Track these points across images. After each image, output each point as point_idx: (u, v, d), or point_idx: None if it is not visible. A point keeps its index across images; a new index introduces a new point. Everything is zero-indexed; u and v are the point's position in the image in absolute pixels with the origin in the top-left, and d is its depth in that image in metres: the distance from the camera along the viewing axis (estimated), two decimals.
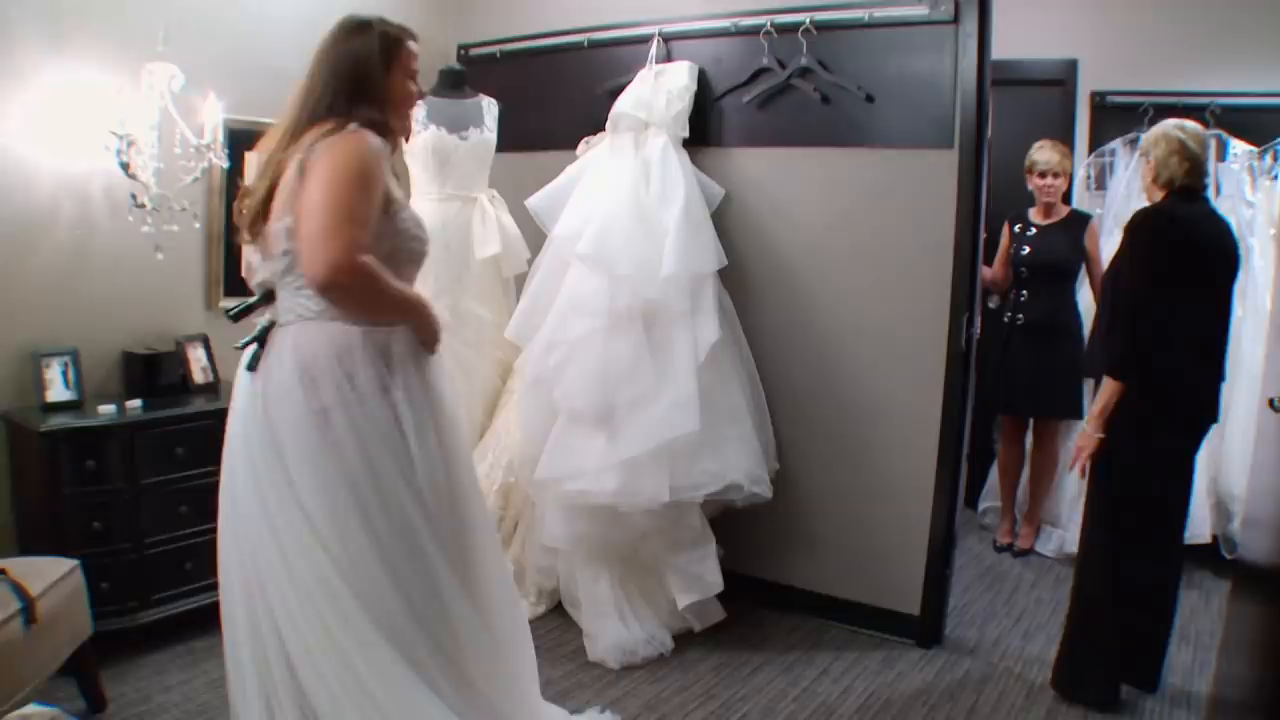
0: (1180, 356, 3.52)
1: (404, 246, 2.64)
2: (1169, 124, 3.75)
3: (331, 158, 2.46)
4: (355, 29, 2.66)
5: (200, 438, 3.84)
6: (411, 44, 2.75)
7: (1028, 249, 5.40)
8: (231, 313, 2.73)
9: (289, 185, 2.52)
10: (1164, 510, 3.70)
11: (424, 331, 2.67)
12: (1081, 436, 3.70)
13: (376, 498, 2.51)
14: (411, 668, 2.52)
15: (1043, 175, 5.34)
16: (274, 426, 2.53)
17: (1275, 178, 5.27)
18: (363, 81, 2.61)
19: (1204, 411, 3.65)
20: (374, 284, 2.47)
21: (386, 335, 2.58)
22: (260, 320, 2.67)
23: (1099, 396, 3.62)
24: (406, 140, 2.92)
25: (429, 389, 2.68)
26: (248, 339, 2.67)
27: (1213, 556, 5.05)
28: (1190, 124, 3.76)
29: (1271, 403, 2.61)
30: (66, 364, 3.93)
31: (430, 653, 2.57)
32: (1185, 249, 3.55)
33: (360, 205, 2.45)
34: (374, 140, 2.53)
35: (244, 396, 2.63)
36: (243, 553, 2.58)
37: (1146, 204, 3.88)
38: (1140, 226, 3.62)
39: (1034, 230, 5.42)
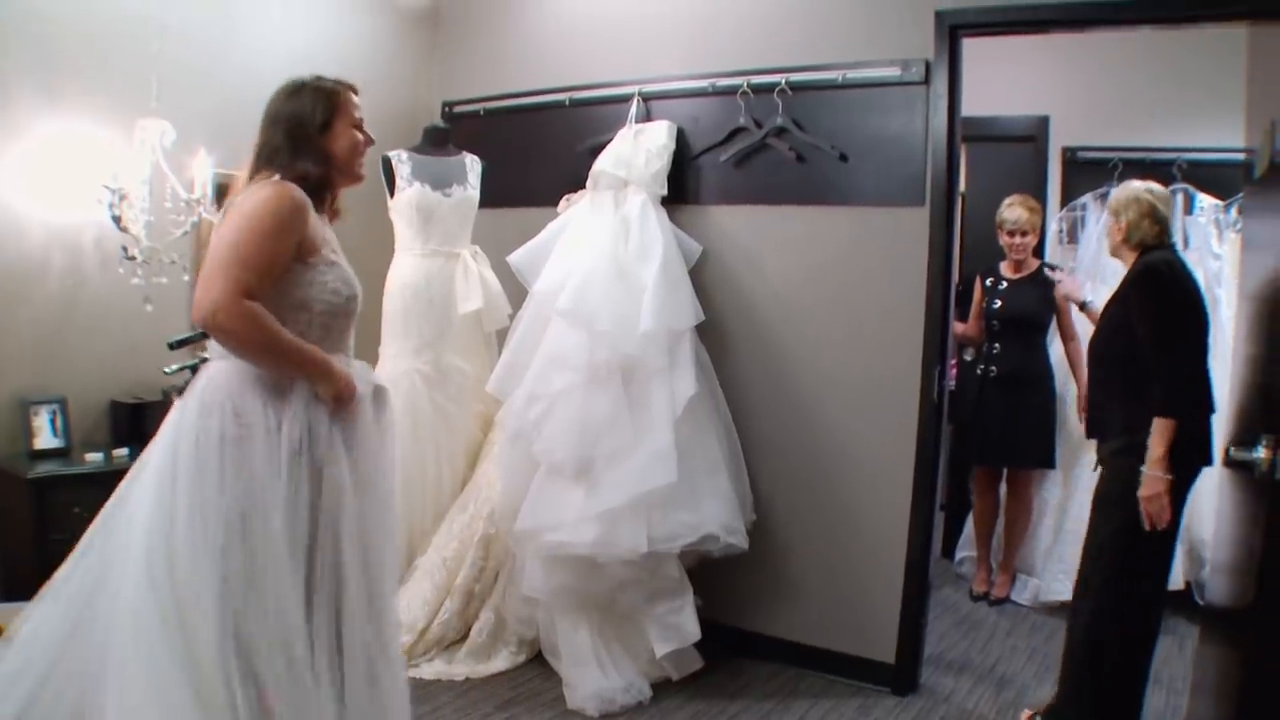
0: (1200, 399, 3.57)
1: (318, 297, 2.66)
2: (1137, 187, 3.83)
3: (243, 205, 2.57)
4: (292, 91, 2.76)
5: None
6: (349, 94, 2.82)
7: (999, 303, 5.50)
8: (173, 341, 2.80)
9: (216, 229, 2.64)
10: (1169, 553, 3.72)
11: (320, 388, 2.64)
12: (1151, 484, 3.44)
13: (238, 536, 2.50)
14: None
15: (1011, 234, 5.45)
16: (175, 451, 2.55)
17: (1240, 230, 5.38)
18: (300, 138, 2.70)
19: (1206, 453, 3.66)
20: (252, 330, 2.49)
21: (279, 378, 2.63)
22: (201, 354, 2.78)
23: (1157, 442, 3.44)
24: (350, 184, 2.92)
25: (320, 444, 2.65)
26: (178, 365, 2.76)
27: (1184, 602, 5.12)
28: (1156, 186, 3.84)
29: (1227, 453, 2.69)
30: (55, 412, 3.98)
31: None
32: (1195, 296, 3.63)
33: (259, 250, 2.51)
34: (294, 191, 2.61)
35: (166, 423, 2.67)
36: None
37: (1114, 260, 3.99)
38: (1159, 276, 3.63)
39: (1005, 284, 5.52)
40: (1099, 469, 3.83)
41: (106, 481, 3.75)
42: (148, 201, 4.06)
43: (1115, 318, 3.75)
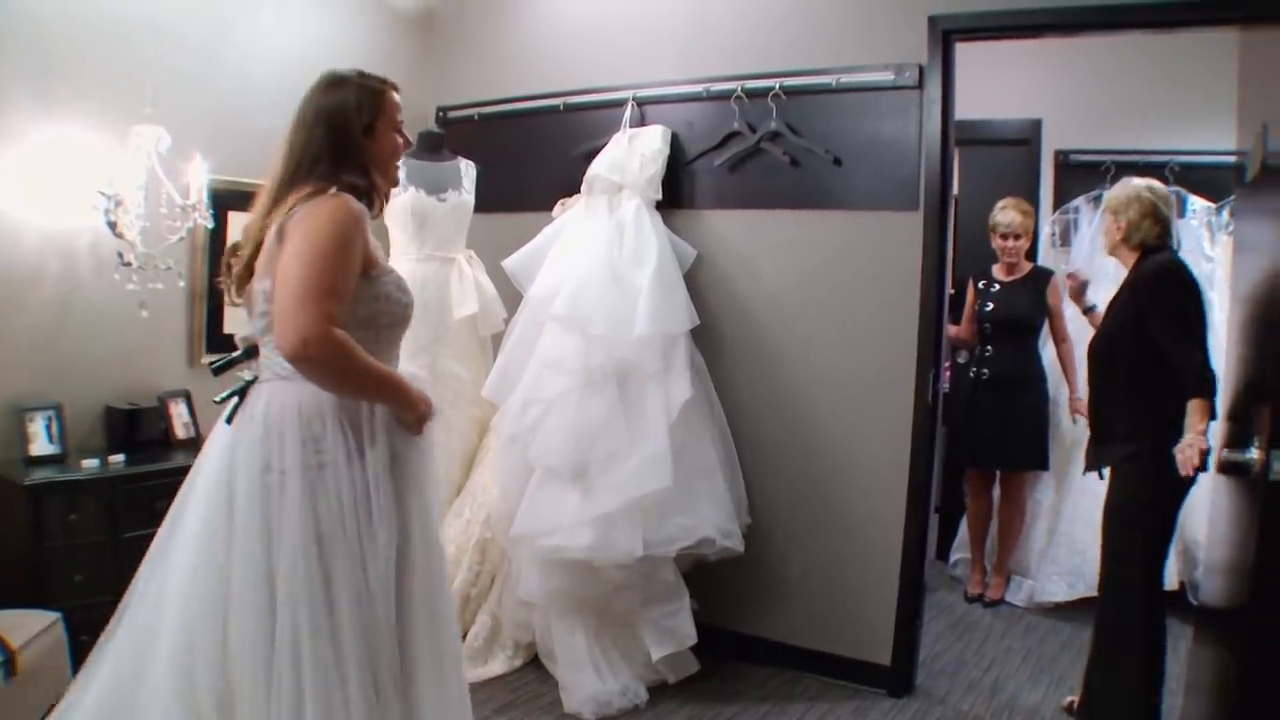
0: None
1: (384, 310, 2.60)
2: (1138, 185, 3.81)
3: (309, 224, 2.43)
4: (332, 84, 2.63)
5: None
6: (394, 94, 2.72)
7: (991, 305, 5.52)
8: (214, 366, 2.70)
9: (269, 248, 2.49)
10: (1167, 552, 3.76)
11: (402, 413, 2.60)
12: (1191, 443, 3.33)
13: (321, 571, 2.44)
14: None
15: (1004, 236, 5.48)
16: (233, 481, 2.50)
17: (1232, 233, 5.40)
18: (343, 138, 2.58)
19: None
20: (344, 360, 2.42)
21: (359, 403, 2.56)
22: (243, 375, 2.64)
23: (1197, 420, 3.40)
24: (389, 191, 2.82)
25: (406, 465, 2.62)
26: (227, 393, 2.65)
27: (1178, 603, 5.13)
28: (1158, 185, 3.83)
29: (1221, 455, 2.71)
30: (50, 418, 3.97)
31: None
32: (1201, 296, 3.64)
33: (336, 275, 2.41)
34: (354, 204, 2.49)
35: (216, 448, 2.60)
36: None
37: (1111, 260, 4.00)
38: (1177, 275, 3.64)
39: (998, 287, 5.54)
40: (1097, 473, 3.84)
41: (101, 487, 3.80)
42: (143, 207, 4.04)
43: (1120, 319, 3.73)
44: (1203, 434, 3.37)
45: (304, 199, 2.49)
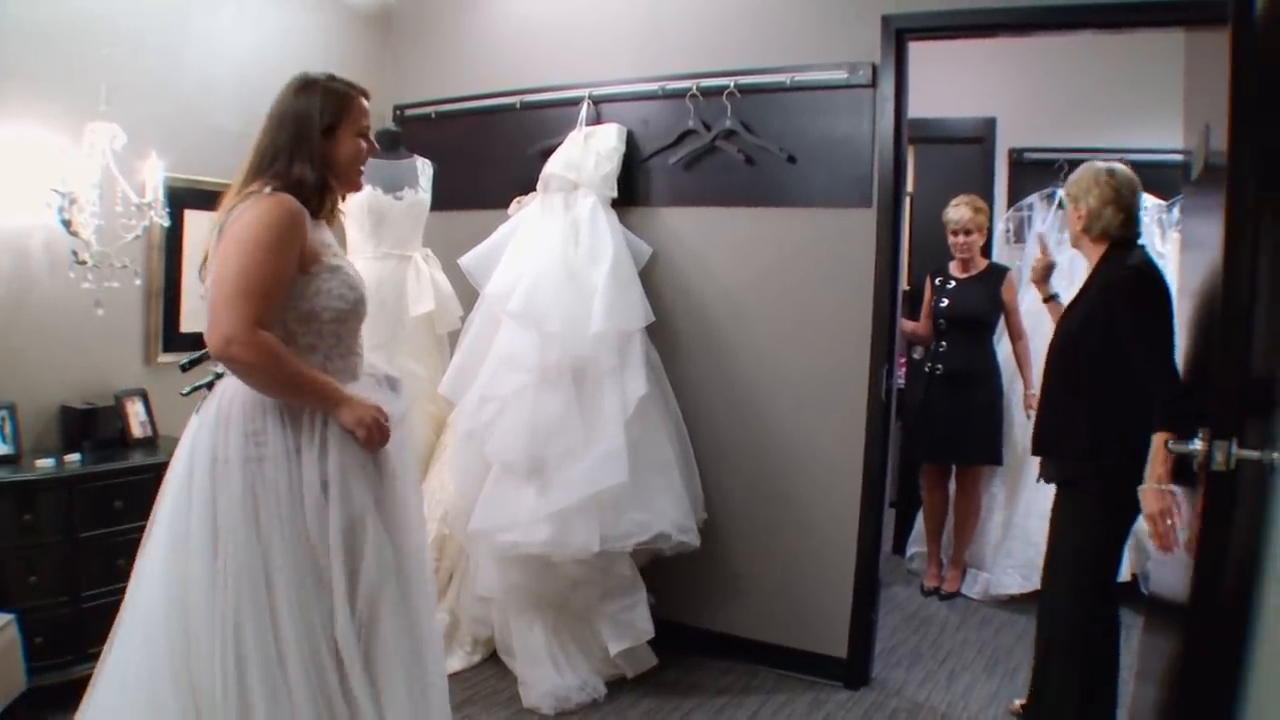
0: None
1: (326, 305, 2.62)
2: (1098, 168, 3.57)
3: (241, 224, 2.50)
4: (301, 87, 2.68)
5: (139, 491, 3.79)
6: (362, 100, 2.76)
7: (946, 302, 5.58)
8: (183, 363, 2.77)
9: (211, 249, 2.58)
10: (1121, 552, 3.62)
11: (343, 418, 2.60)
12: (1158, 499, 3.08)
13: (261, 562, 2.50)
14: None
15: (955, 233, 5.54)
16: (192, 472, 2.56)
17: (1180, 229, 5.47)
18: (302, 138, 2.63)
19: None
20: (267, 361, 2.46)
21: None
22: (214, 369, 2.70)
23: (1160, 462, 3.10)
24: (350, 191, 2.87)
25: (355, 460, 2.65)
26: (193, 386, 2.73)
27: (1131, 593, 5.19)
28: (1120, 168, 3.57)
29: (1166, 445, 2.75)
30: (4, 418, 3.91)
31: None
32: (1172, 306, 3.34)
33: (264, 275, 2.47)
34: (289, 203, 2.54)
35: (184, 439, 2.66)
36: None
37: (1073, 251, 3.84)
38: (1149, 286, 3.35)
39: (953, 284, 5.60)
40: (1044, 482, 3.74)
41: (57, 487, 3.78)
42: (98, 205, 4.01)
43: (1087, 319, 3.47)
44: (1167, 477, 3.09)
45: (242, 199, 2.56)
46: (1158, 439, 3.11)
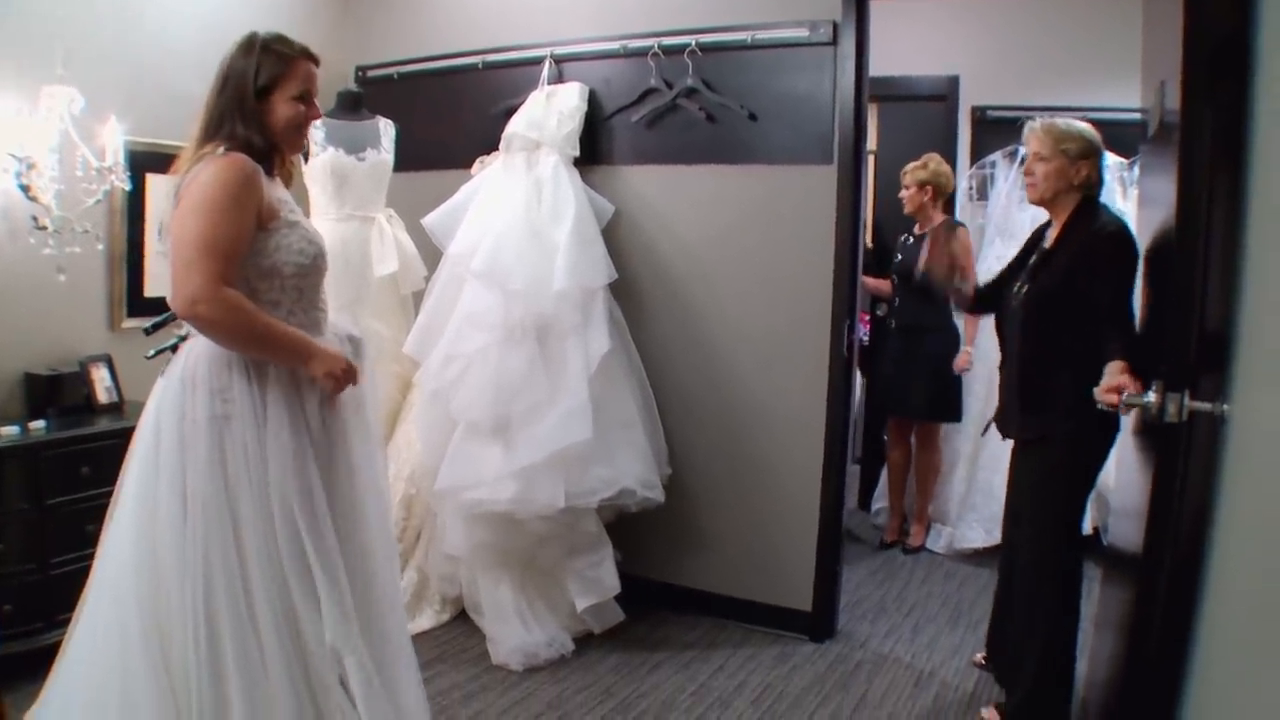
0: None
1: (284, 261, 2.64)
2: (1070, 122, 3.55)
3: (196, 186, 2.51)
4: (244, 48, 2.67)
5: (106, 457, 3.77)
6: (305, 63, 2.73)
7: (900, 257, 5.64)
8: (147, 327, 2.78)
9: (169, 212, 2.60)
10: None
11: (305, 370, 2.67)
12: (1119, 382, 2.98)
13: (230, 518, 2.55)
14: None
15: (904, 188, 5.61)
16: (159, 432, 2.60)
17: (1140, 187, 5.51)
18: (241, 100, 2.63)
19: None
20: (234, 317, 2.50)
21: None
22: (177, 332, 2.75)
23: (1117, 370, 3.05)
24: (295, 156, 2.90)
25: (316, 415, 2.72)
26: (157, 349, 2.75)
27: (1093, 546, 5.25)
28: (1078, 123, 3.56)
29: (1121, 397, 2.78)
30: None
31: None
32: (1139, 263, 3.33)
33: (224, 233, 2.49)
34: (242, 162, 2.55)
35: (150, 402, 2.69)
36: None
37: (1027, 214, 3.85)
38: (1128, 247, 3.33)
39: (911, 240, 5.64)
40: (1007, 438, 3.76)
41: (22, 454, 3.77)
42: (57, 170, 3.97)
43: (1066, 277, 3.43)
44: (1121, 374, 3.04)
45: (196, 160, 2.58)
46: (1114, 365, 3.06)
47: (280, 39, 2.72)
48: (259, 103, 2.66)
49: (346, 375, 2.71)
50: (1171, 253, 2.51)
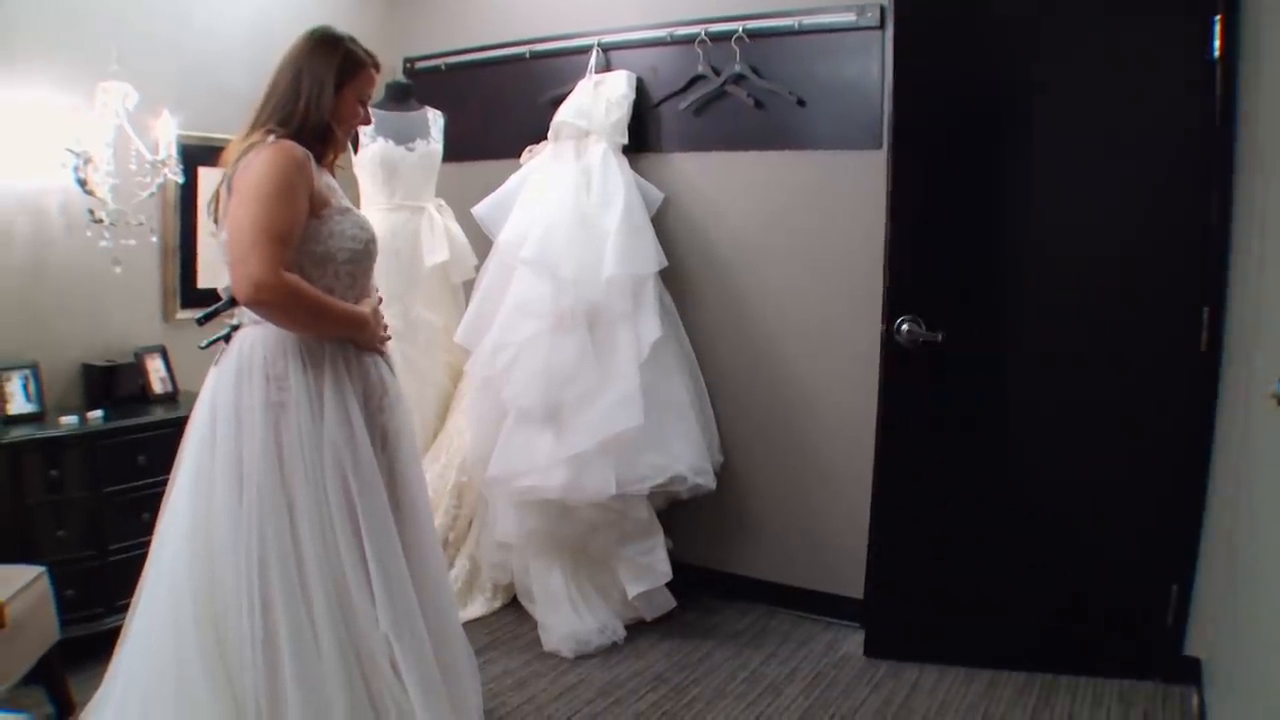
0: None
1: (340, 247, 2.70)
2: None
3: (250, 174, 2.56)
4: (323, 40, 2.76)
5: (161, 446, 3.84)
6: (372, 71, 2.84)
7: None
8: (200, 317, 2.82)
9: (222, 201, 2.65)
10: None
11: (364, 340, 2.79)
12: None
13: (285, 504, 2.60)
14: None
15: None
16: (214, 421, 2.65)
17: None
18: (316, 93, 2.70)
19: None
20: (295, 300, 2.56)
21: (320, 340, 2.70)
22: (229, 322, 2.79)
23: None
24: (341, 151, 2.96)
25: (379, 404, 2.81)
26: (211, 339, 2.79)
27: None
28: None
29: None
30: (27, 377, 3.97)
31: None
32: None
33: (280, 219, 2.53)
34: (294, 149, 2.61)
35: (204, 391, 2.75)
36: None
37: None
38: None
39: None
40: None
41: (81, 444, 3.83)
42: (112, 164, 4.03)
43: None
44: None
45: (248, 149, 2.62)
46: None
47: (355, 41, 2.82)
48: (334, 93, 2.74)
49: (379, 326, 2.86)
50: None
